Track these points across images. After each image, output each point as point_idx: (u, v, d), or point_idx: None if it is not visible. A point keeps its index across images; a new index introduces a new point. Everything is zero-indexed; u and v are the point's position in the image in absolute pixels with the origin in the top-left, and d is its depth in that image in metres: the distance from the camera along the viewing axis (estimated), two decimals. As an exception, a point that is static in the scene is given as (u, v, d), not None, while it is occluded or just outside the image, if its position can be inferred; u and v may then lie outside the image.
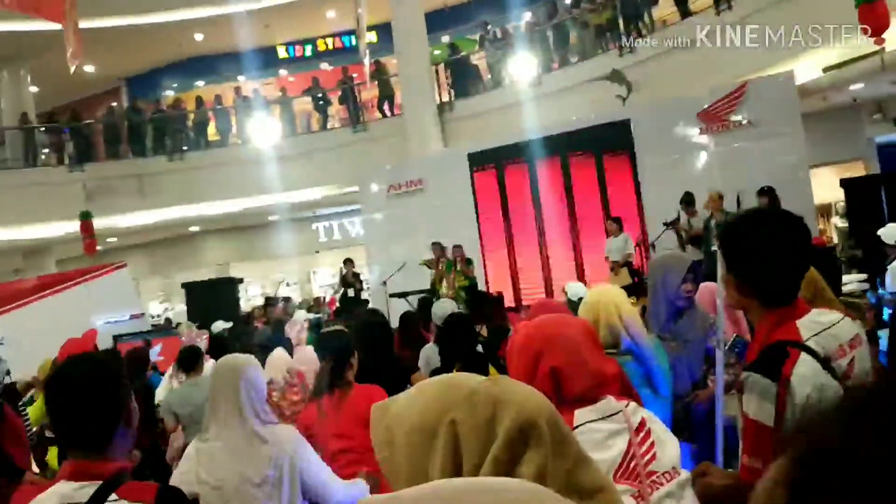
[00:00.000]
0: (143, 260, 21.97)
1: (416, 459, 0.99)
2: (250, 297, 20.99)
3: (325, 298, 17.29)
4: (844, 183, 11.52)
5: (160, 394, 6.44)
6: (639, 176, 12.11)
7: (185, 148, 18.42)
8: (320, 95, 18.43)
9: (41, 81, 20.01)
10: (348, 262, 14.06)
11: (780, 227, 2.00)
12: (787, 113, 11.06)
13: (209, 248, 22.77)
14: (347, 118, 18.58)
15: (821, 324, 1.97)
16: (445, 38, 20.74)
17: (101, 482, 1.81)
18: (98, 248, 16.79)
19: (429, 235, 12.85)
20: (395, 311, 8.95)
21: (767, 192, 9.56)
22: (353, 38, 20.11)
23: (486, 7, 19.88)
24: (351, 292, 13.69)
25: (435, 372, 4.27)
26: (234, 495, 2.69)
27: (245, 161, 17.66)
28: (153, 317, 19.21)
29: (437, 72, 16.83)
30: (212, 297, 14.24)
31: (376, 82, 17.76)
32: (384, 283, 12.73)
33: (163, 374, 7.40)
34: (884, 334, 4.50)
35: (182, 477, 2.79)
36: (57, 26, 14.56)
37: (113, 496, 1.78)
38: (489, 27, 17.74)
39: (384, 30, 18.74)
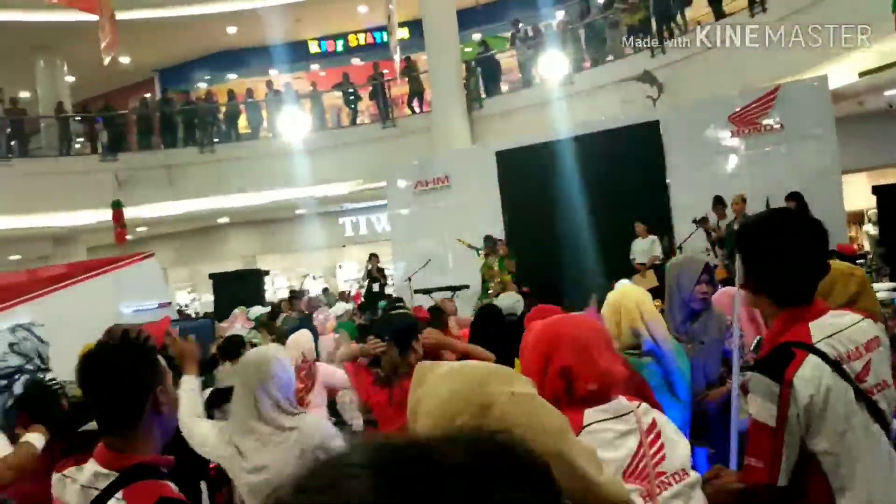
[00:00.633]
0: (171, 250, 22.17)
1: None
2: (277, 289, 21.15)
3: (349, 293, 17.34)
4: (877, 190, 11.33)
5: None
6: (667, 178, 12.03)
7: (215, 140, 18.61)
8: (351, 90, 18.51)
9: (77, 71, 20.33)
10: (374, 256, 14.08)
11: (792, 228, 2.01)
12: (821, 117, 10.93)
13: (236, 239, 22.94)
14: (377, 114, 18.67)
15: (837, 325, 1.97)
16: (477, 36, 20.71)
17: (117, 474, 1.77)
18: (128, 237, 17.02)
19: (454, 232, 12.86)
20: (418, 307, 8.96)
21: (795, 197, 9.46)
22: (384, 33, 20.15)
23: (518, 5, 19.78)
24: (376, 287, 13.73)
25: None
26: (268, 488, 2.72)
27: (274, 154, 17.78)
28: (182, 306, 19.40)
29: (466, 69, 16.83)
30: (238, 288, 14.33)
31: (406, 78, 17.84)
32: (409, 279, 12.78)
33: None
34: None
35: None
36: (94, 17, 14.79)
37: (119, 494, 1.73)
38: (521, 25, 17.69)
39: (416, 26, 18.78)
